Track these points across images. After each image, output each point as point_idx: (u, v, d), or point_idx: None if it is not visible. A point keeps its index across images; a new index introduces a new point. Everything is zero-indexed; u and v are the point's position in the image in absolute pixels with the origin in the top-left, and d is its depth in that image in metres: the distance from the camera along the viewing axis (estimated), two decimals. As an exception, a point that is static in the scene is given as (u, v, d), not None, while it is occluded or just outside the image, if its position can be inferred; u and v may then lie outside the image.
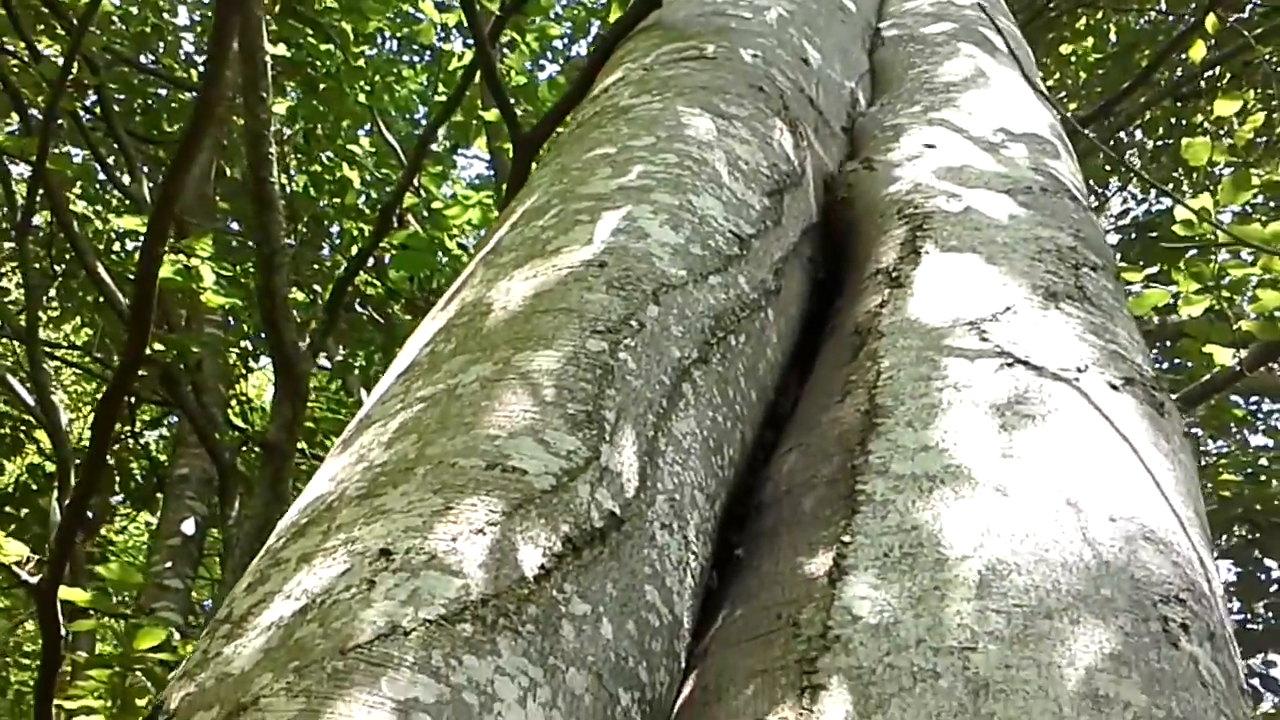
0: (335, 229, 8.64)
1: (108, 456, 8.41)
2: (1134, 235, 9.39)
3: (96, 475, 2.34)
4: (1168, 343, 8.10)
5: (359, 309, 7.67)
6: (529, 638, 1.34)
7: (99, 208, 8.67)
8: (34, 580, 2.58)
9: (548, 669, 1.33)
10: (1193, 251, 4.56)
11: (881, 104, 2.97)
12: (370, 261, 7.29)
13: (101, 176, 7.32)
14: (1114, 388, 1.84)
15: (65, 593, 3.12)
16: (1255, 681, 7.59)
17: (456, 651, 1.28)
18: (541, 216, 2.09)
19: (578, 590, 1.43)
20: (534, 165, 3.14)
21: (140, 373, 6.78)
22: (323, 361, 8.63)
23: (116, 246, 8.37)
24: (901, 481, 1.65)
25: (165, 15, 8.74)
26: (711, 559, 1.73)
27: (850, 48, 3.25)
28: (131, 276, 6.17)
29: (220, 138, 7.67)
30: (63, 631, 2.62)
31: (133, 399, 7.66)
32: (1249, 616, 7.42)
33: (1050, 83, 10.31)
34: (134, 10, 8.55)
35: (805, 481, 1.79)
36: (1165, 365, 7.84)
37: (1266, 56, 6.99)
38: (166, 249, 4.64)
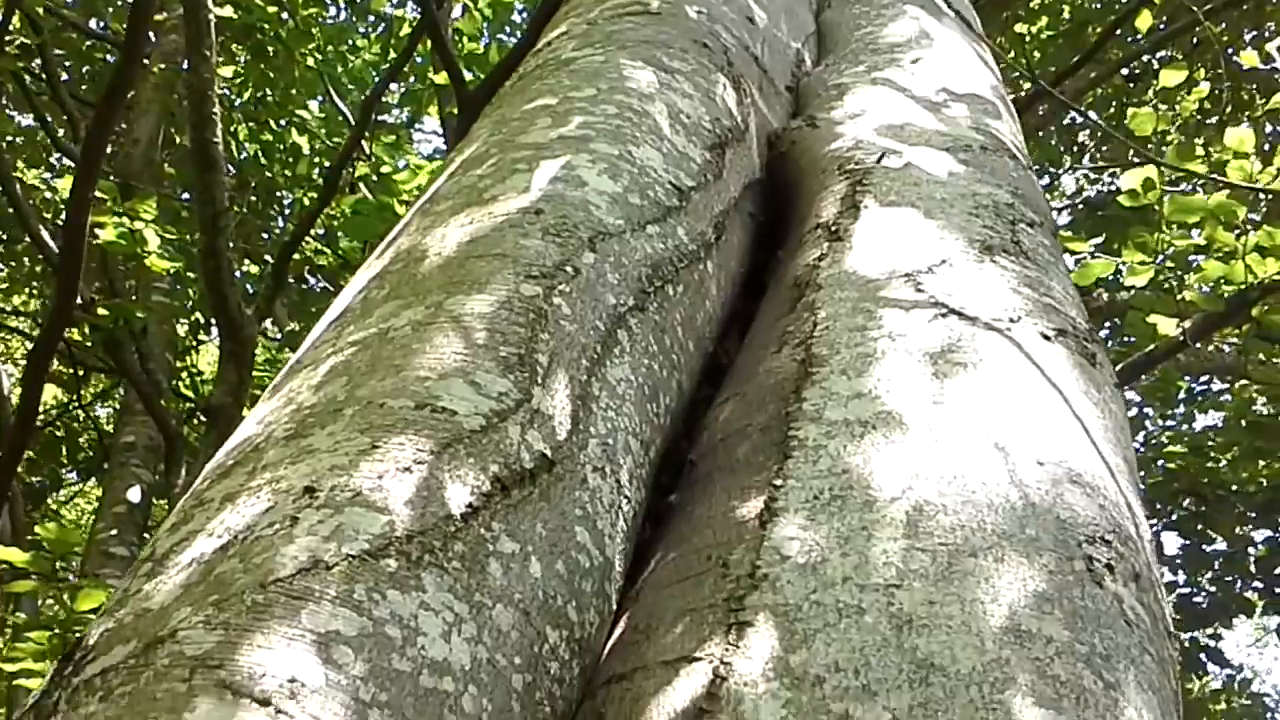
0: (288, 199, 8.55)
1: (57, 425, 8.31)
2: (1085, 214, 9.48)
3: (30, 424, 2.30)
4: (1116, 320, 8.20)
5: (309, 278, 7.59)
6: (455, 574, 1.33)
7: (45, 173, 8.53)
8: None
9: (473, 605, 1.33)
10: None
11: (826, 64, 2.97)
12: (323, 231, 7.24)
13: (48, 142, 7.20)
14: (1046, 338, 1.85)
15: (3, 553, 3.07)
16: (1202, 656, 7.73)
17: (380, 586, 1.27)
18: (480, 165, 2.07)
19: (506, 529, 1.42)
20: (479, 122, 3.10)
21: (85, 339, 6.70)
22: (274, 333, 8.56)
23: (62, 213, 8.24)
24: (834, 427, 1.66)
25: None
26: (646, 505, 1.73)
27: (797, 8, 3.25)
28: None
29: (168, 104, 7.55)
30: (-3, 589, 2.58)
31: (78, 369, 7.56)
32: (1195, 590, 7.54)
33: (1003, 65, 10.34)
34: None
35: (740, 430, 1.79)
36: (1111, 343, 7.93)
37: (1214, 31, 7.06)
38: (112, 212, 4.58)
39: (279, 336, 8.50)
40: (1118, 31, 8.16)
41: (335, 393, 1.56)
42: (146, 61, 7.35)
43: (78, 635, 1.54)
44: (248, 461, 1.50)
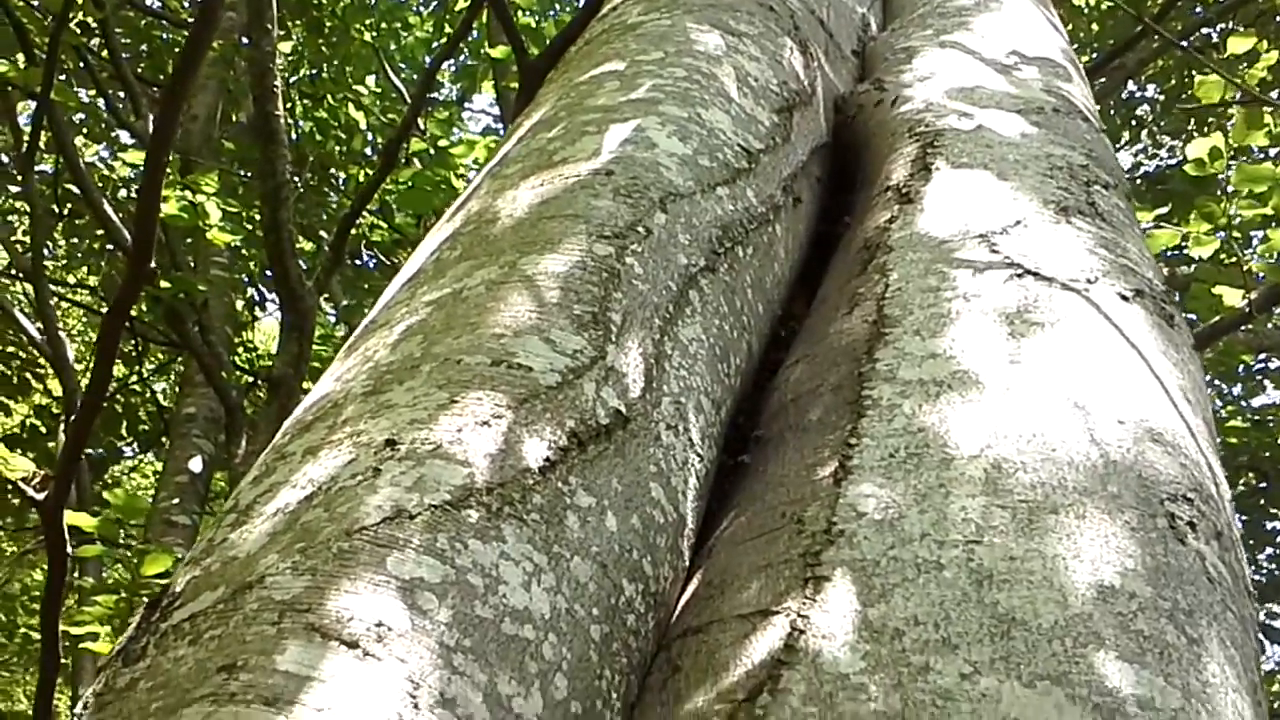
0: (342, 176, 8.62)
1: (117, 399, 8.45)
2: (1146, 189, 9.34)
3: (102, 391, 2.34)
4: (1178, 294, 8.08)
5: (364, 254, 7.66)
6: (534, 526, 1.35)
7: (105, 152, 8.65)
8: (39, 496, 2.60)
9: (552, 556, 1.34)
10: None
11: (893, 28, 2.94)
12: (378, 207, 7.28)
13: (108, 119, 7.30)
14: (1124, 299, 1.83)
15: (72, 517, 3.13)
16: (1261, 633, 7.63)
17: (462, 536, 1.29)
18: (549, 129, 2.07)
19: (583, 483, 1.43)
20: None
21: (145, 313, 6.80)
22: (329, 309, 8.64)
23: (123, 194, 8.35)
24: (908, 387, 1.65)
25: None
26: (716, 463, 1.73)
27: (862, -26, 3.21)
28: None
29: (226, 81, 7.62)
30: (69, 550, 2.64)
31: (138, 342, 7.67)
32: (1254, 568, 7.44)
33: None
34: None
35: (812, 390, 1.78)
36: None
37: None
38: (172, 186, 4.64)
39: (334, 312, 8.57)
40: (1179, 3, 8.02)
41: (412, 350, 1.57)
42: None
43: (144, 597, 1.57)
44: (327, 417, 1.51)
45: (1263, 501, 6.42)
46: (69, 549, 2.68)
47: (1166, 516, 1.43)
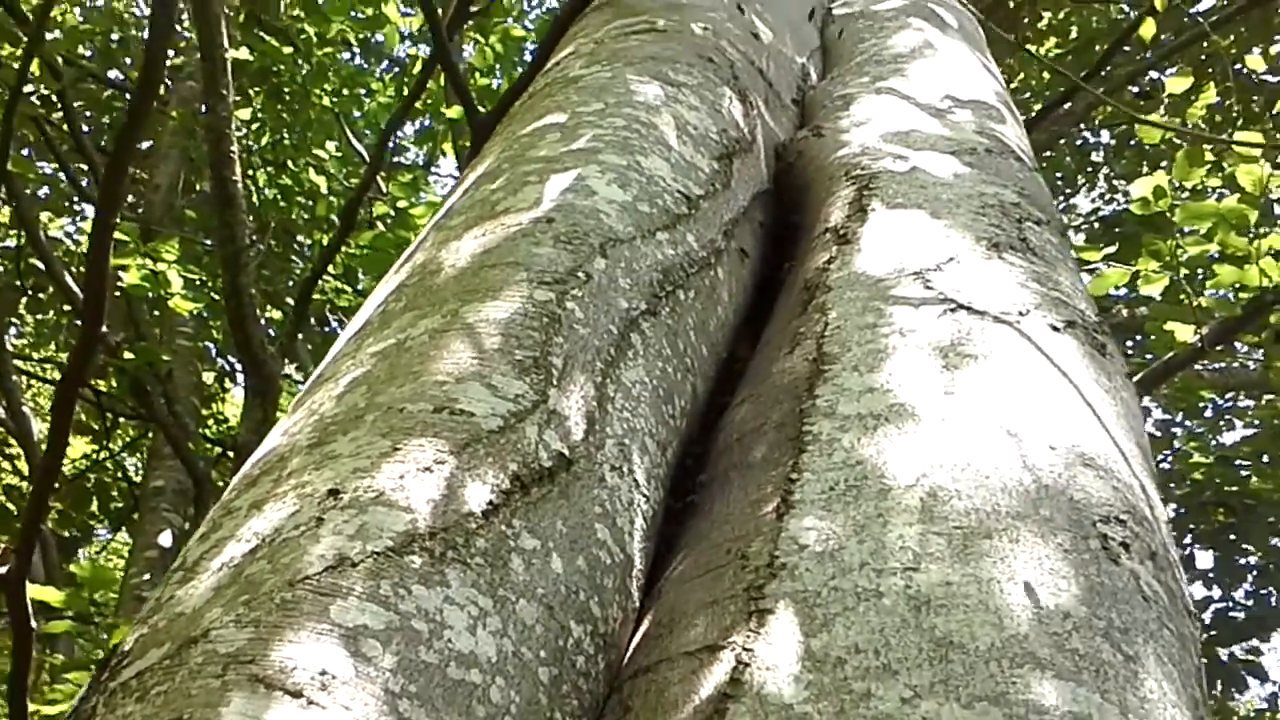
0: (308, 243, 8.64)
1: (87, 477, 8.37)
2: (1102, 232, 9.48)
3: (58, 457, 2.34)
4: (1139, 336, 8.17)
5: (331, 319, 7.67)
6: (478, 569, 1.36)
7: (70, 226, 8.65)
8: (1, 570, 2.58)
9: (497, 599, 1.35)
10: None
11: (831, 77, 3.01)
12: (342, 271, 7.31)
13: (71, 192, 7.31)
14: (1055, 329, 1.87)
15: (37, 592, 3.11)
16: (1240, 669, 7.62)
17: (405, 581, 1.30)
18: (492, 181, 2.11)
19: (527, 526, 1.44)
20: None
21: (111, 388, 6.77)
22: (297, 376, 8.63)
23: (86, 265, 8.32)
24: (848, 421, 1.68)
25: (132, 31, 8.75)
26: (664, 505, 1.75)
27: (801, 25, 3.29)
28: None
29: (188, 150, 7.66)
30: (34, 625, 2.62)
31: (106, 418, 7.63)
32: (1231, 604, 7.46)
33: (1014, 84, 10.41)
34: (99, 28, 8.55)
35: (755, 429, 1.81)
36: (1134, 357, 7.91)
37: (1223, 45, 7.08)
38: (134, 255, 4.65)
39: (301, 380, 8.56)
40: (1125, 48, 8.21)
41: (356, 401, 1.59)
42: (165, 108, 7.48)
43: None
44: (273, 470, 1.53)
45: (1233, 537, 6.46)
46: (34, 624, 2.66)
47: (1099, 538, 1.46)
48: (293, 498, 1.43)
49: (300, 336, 5.76)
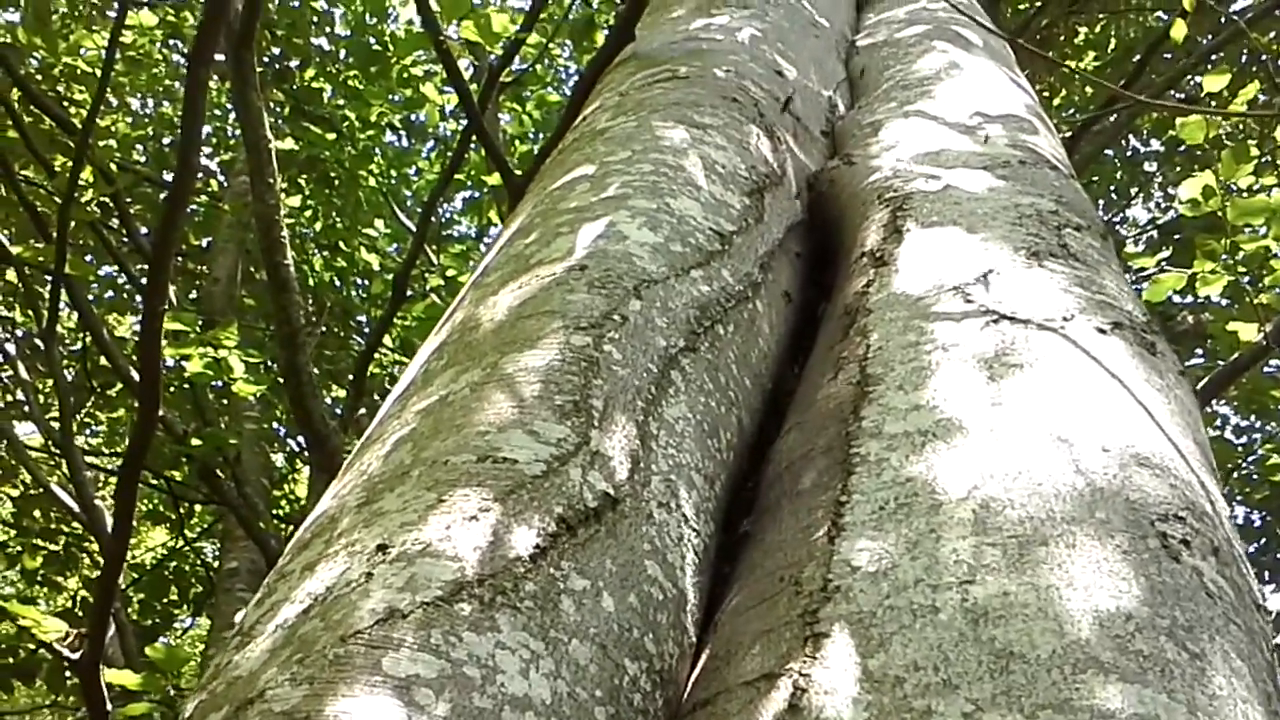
0: (364, 319, 8.79)
1: (165, 569, 8.51)
2: (1162, 241, 9.34)
3: (124, 542, 2.39)
4: (1207, 342, 8.01)
5: (389, 389, 7.75)
6: (528, 613, 1.36)
7: (134, 322, 8.87)
8: (74, 656, 2.63)
9: (549, 641, 1.35)
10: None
11: (859, 106, 3.02)
12: (398, 343, 7.41)
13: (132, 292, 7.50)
14: (1102, 332, 1.84)
15: (112, 675, 3.15)
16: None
17: (456, 629, 1.30)
18: (526, 236, 2.13)
19: (575, 567, 1.44)
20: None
21: (183, 476, 6.90)
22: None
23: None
24: (894, 440, 1.66)
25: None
26: (716, 538, 1.74)
27: (825, 59, 3.31)
28: (171, 388, 6.33)
29: (244, 242, 7.85)
30: (109, 708, 2.65)
31: (180, 507, 7.76)
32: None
33: (1057, 101, 10.35)
34: (150, 131, 8.83)
35: (803, 455, 1.80)
36: (1204, 361, 7.74)
37: (1263, 42, 6.99)
38: (196, 344, 4.76)
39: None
40: (1166, 55, 8.13)
41: (402, 458, 1.61)
42: (219, 203, 7.69)
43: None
44: (324, 532, 1.55)
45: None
46: (109, 706, 2.70)
47: (1158, 536, 1.43)
48: (343, 556, 1.44)
49: (362, 411, 5.83)
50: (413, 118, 8.74)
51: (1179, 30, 3.86)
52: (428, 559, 1.38)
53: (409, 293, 5.50)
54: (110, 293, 8.66)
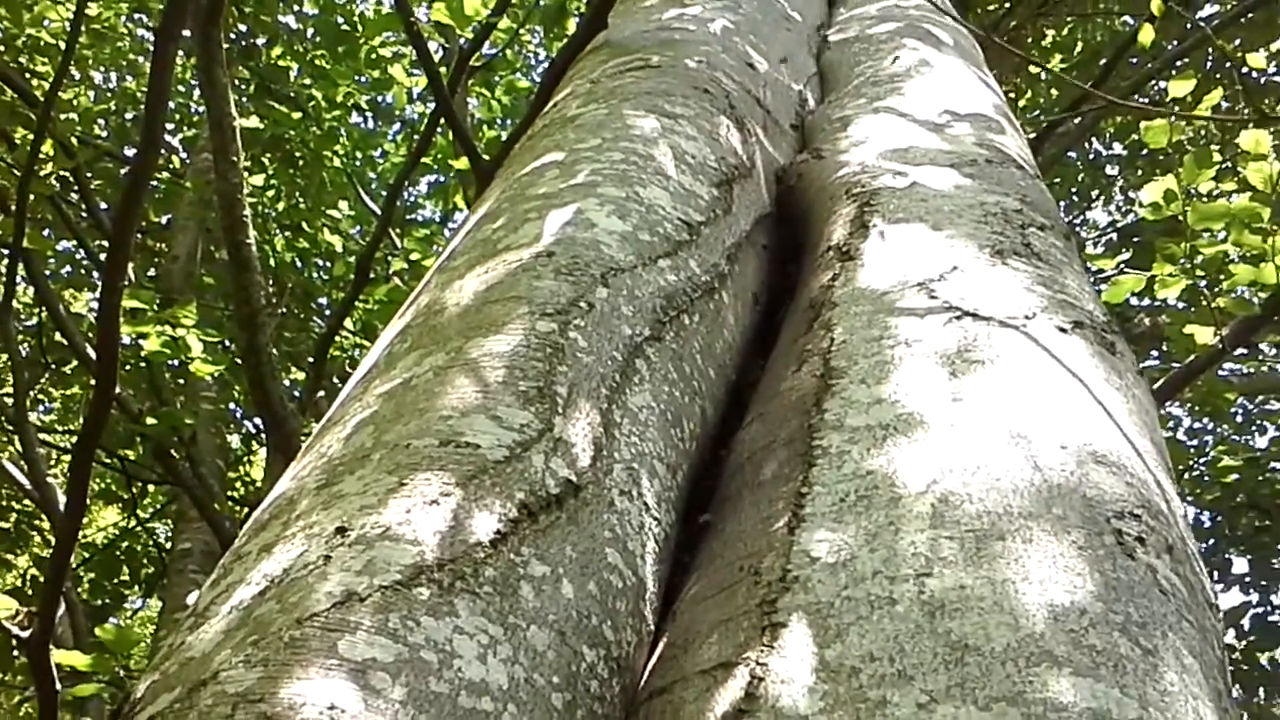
0: (326, 303, 8.72)
1: (119, 547, 8.42)
2: (1121, 243, 9.44)
3: (77, 521, 2.35)
4: (1162, 345, 8.11)
5: (350, 372, 7.70)
6: (487, 598, 1.35)
7: (91, 299, 8.76)
8: (24, 634, 2.59)
9: (508, 627, 1.35)
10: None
11: (829, 101, 3.02)
12: (360, 326, 7.37)
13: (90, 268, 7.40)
14: (1063, 330, 1.86)
15: (62, 656, 3.11)
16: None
17: (414, 614, 1.30)
18: (494, 221, 2.12)
19: (535, 553, 1.44)
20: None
21: (138, 455, 6.82)
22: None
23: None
24: (856, 433, 1.67)
25: (144, 109, 8.88)
26: (677, 528, 1.74)
27: (796, 53, 3.31)
28: (127, 366, 6.25)
29: (205, 220, 7.76)
30: (58, 688, 2.62)
31: (134, 486, 7.68)
32: (1269, 609, 7.33)
33: (1022, 102, 10.42)
34: (112, 106, 8.70)
35: (765, 446, 1.80)
36: (1159, 363, 7.83)
37: (1229, 49, 7.07)
38: (154, 322, 4.70)
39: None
40: (1132, 59, 8.21)
41: (363, 441, 1.60)
42: (181, 180, 7.59)
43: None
44: (282, 514, 1.53)
45: (1267, 540, 6.36)
46: (58, 686, 2.66)
47: (1114, 533, 1.44)
48: (301, 538, 1.43)
49: (321, 393, 5.79)
50: (379, 100, 8.67)
51: (1147, 35, 3.90)
52: (387, 542, 1.37)
53: (371, 276, 5.46)
54: (68, 268, 8.55)
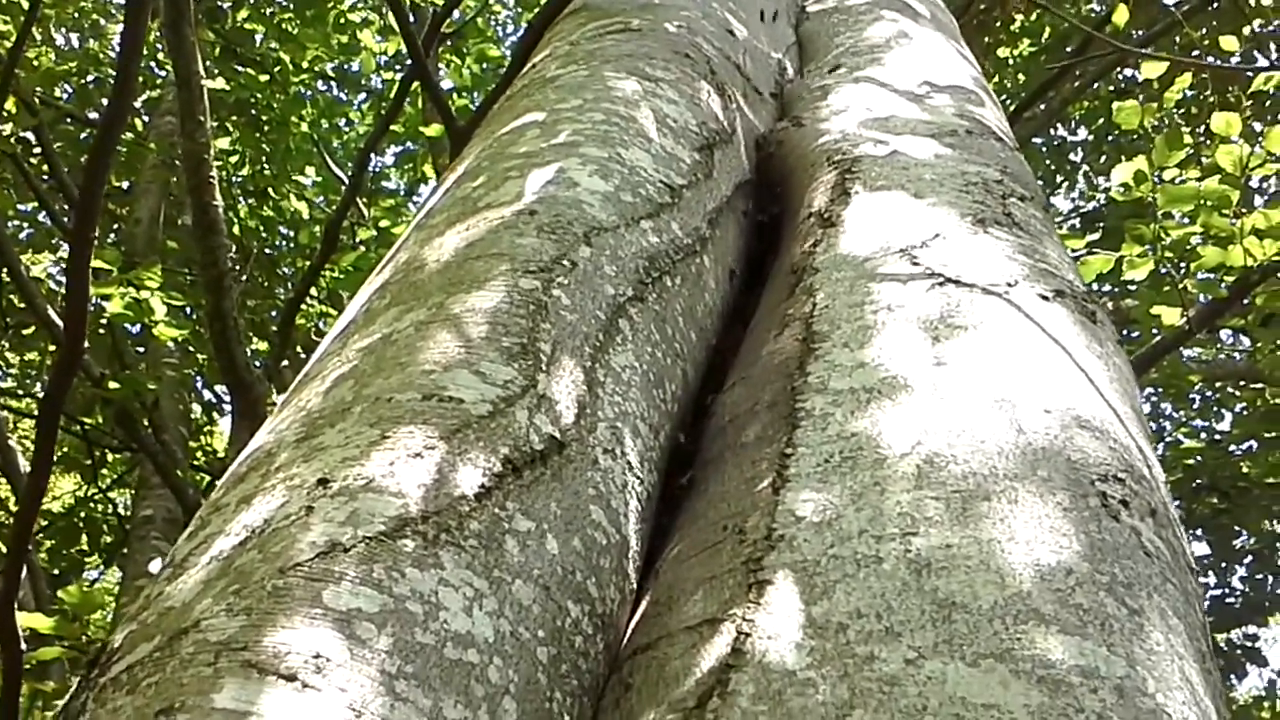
0: (290, 272, 8.63)
1: (78, 514, 8.31)
2: (1084, 228, 9.52)
3: (43, 481, 2.31)
4: (1124, 331, 8.20)
5: (316, 342, 7.64)
6: (472, 551, 1.34)
7: (54, 268, 8.62)
8: (-13, 597, 2.56)
9: (493, 581, 1.33)
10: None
11: (809, 70, 3.02)
12: (326, 294, 7.30)
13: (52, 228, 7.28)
14: (1044, 299, 1.86)
15: (27, 619, 3.07)
16: (1239, 656, 7.61)
17: (399, 565, 1.28)
18: (474, 179, 2.10)
19: (520, 508, 1.43)
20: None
21: (99, 422, 6.73)
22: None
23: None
24: (840, 396, 1.67)
25: (108, 71, 8.74)
26: (658, 488, 1.73)
27: (775, 22, 3.30)
28: (88, 330, 6.14)
29: (167, 183, 7.65)
30: (23, 649, 2.58)
31: (94, 455, 7.58)
32: (1228, 590, 7.45)
33: (990, 85, 10.45)
34: (73, 67, 8.55)
35: (748, 409, 1.80)
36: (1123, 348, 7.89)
37: (1196, 35, 7.14)
38: (117, 283, 4.63)
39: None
40: (1095, 56, 8.27)
41: (343, 395, 1.58)
42: (143, 143, 7.47)
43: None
44: (260, 466, 1.51)
45: (1226, 522, 6.46)
46: (23, 647, 2.63)
47: (1098, 496, 1.45)
48: (281, 490, 1.41)
49: (285, 363, 5.74)
50: (345, 67, 8.58)
51: (1121, 15, 3.91)
52: (370, 494, 1.36)
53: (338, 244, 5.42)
54: (27, 230, 8.41)
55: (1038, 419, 1.56)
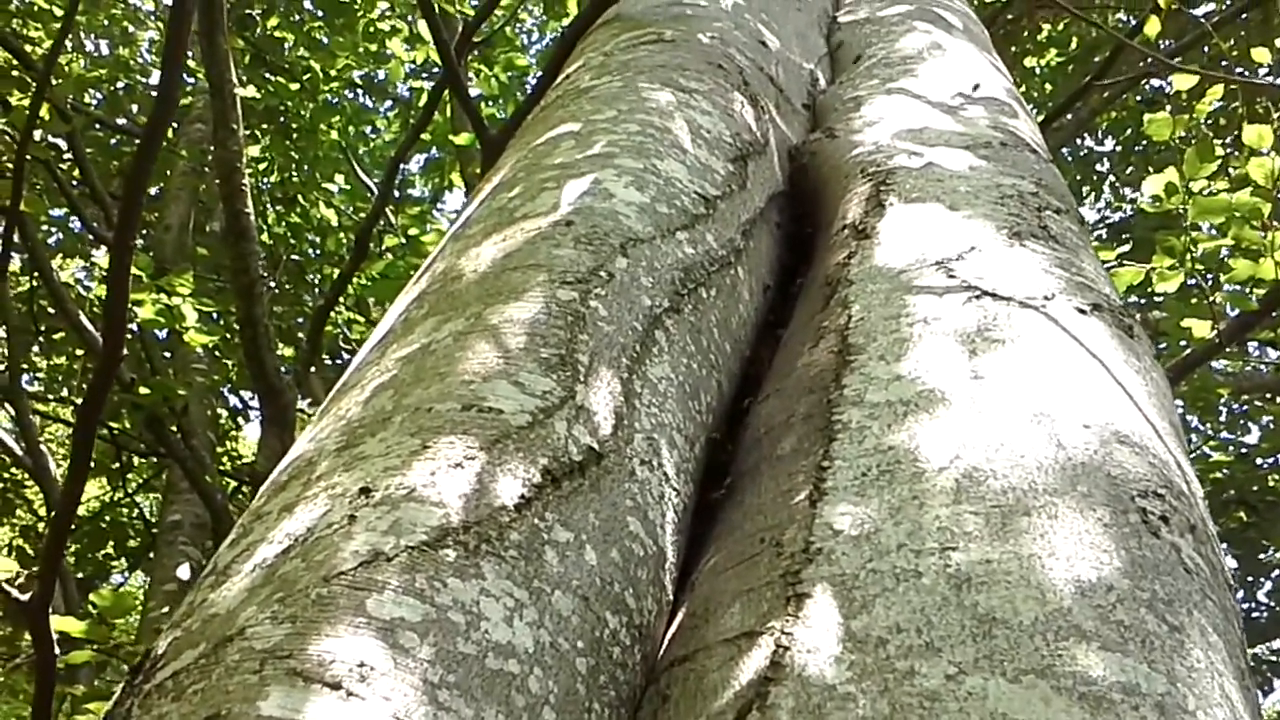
0: (318, 278, 8.68)
1: (104, 518, 8.37)
2: (1111, 239, 9.47)
3: (80, 484, 2.34)
4: (1161, 341, 8.15)
5: (344, 349, 7.68)
6: (512, 562, 1.35)
7: (82, 273, 8.70)
8: (24, 598, 2.57)
9: (533, 591, 1.34)
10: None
11: (841, 81, 3.02)
12: (354, 302, 7.34)
13: (83, 236, 7.34)
14: (1082, 312, 1.86)
15: (59, 623, 3.09)
16: (1266, 670, 7.55)
17: (441, 575, 1.29)
18: (509, 190, 2.11)
19: (559, 519, 1.44)
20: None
21: (126, 426, 6.78)
22: (310, 411, 8.62)
23: (99, 311, 8.36)
24: (876, 409, 1.67)
25: (137, 77, 8.83)
26: (694, 500, 1.74)
27: (808, 33, 3.31)
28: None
29: (198, 191, 7.71)
30: (56, 653, 2.61)
31: (122, 458, 7.64)
32: (1254, 605, 7.39)
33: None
34: (103, 74, 8.63)
35: (784, 421, 1.80)
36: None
37: (1225, 46, 7.10)
38: (149, 290, 4.67)
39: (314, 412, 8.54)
40: (1130, 53, 8.23)
41: (383, 404, 1.59)
42: (174, 150, 7.54)
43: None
44: (302, 474, 1.52)
45: (1254, 535, 6.41)
46: (56, 652, 2.65)
47: (1138, 512, 1.45)
48: (324, 498, 1.42)
49: (314, 370, 5.76)
50: (373, 76, 8.62)
51: (1153, 27, 3.90)
52: (412, 503, 1.37)
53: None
54: (56, 236, 8.48)
55: (1077, 434, 1.56)
